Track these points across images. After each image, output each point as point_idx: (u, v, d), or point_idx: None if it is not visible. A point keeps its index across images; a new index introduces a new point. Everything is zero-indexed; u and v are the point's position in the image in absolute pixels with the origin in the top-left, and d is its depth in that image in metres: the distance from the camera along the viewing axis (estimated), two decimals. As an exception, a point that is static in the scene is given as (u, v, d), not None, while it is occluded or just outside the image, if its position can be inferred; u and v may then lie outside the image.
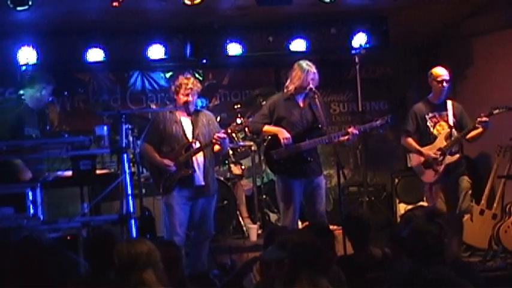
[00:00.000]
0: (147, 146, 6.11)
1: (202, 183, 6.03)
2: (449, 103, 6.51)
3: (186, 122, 6.10)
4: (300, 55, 7.90)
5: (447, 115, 6.45)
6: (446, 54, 8.64)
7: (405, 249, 3.68)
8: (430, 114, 6.49)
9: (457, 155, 6.45)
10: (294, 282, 3.29)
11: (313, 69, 6.13)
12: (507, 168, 7.31)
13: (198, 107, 6.71)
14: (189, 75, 6.18)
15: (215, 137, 5.96)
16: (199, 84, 6.14)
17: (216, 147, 6.08)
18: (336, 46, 8.24)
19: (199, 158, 6.04)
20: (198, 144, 6.01)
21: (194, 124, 6.09)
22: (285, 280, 3.34)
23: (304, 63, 6.14)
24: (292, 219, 6.10)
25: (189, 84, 5.99)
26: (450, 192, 6.49)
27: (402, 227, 4.27)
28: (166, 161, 5.96)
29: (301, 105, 6.23)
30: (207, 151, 6.07)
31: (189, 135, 6.06)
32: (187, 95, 5.99)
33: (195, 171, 6.00)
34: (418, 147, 6.51)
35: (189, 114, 6.10)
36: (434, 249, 3.50)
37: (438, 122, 6.47)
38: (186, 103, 6.01)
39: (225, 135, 6.04)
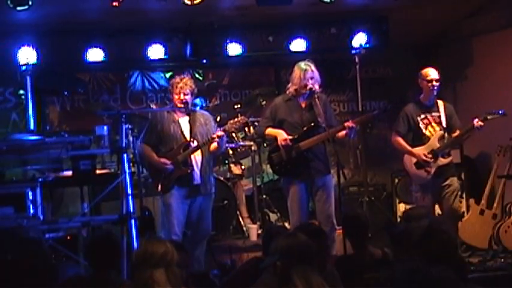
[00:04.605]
0: (144, 147, 6.14)
1: (200, 181, 6.04)
2: (440, 104, 6.52)
3: (184, 122, 6.13)
4: (300, 55, 7.90)
5: (439, 116, 6.47)
6: (446, 54, 8.64)
7: (419, 248, 3.68)
8: (422, 116, 6.49)
9: (450, 158, 6.47)
10: (288, 281, 3.35)
11: (312, 68, 6.11)
12: (507, 168, 7.30)
13: (198, 107, 6.73)
14: (183, 75, 6.22)
15: (213, 135, 5.98)
16: (192, 84, 6.11)
17: (214, 146, 6.09)
18: (336, 46, 8.24)
19: (197, 157, 6.07)
20: (195, 143, 6.03)
21: (192, 124, 6.11)
22: (280, 280, 3.42)
23: (303, 63, 6.13)
24: (299, 220, 6.07)
25: (180, 83, 6.03)
26: (440, 193, 6.47)
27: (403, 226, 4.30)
28: (164, 161, 6.01)
29: (303, 105, 6.21)
30: (205, 150, 6.09)
31: (187, 135, 6.09)
32: (180, 93, 6.02)
33: (193, 169, 6.03)
34: (408, 147, 6.49)
35: (187, 114, 6.11)
36: (449, 248, 3.53)
37: (430, 123, 6.48)
38: (181, 102, 6.03)
39: (223, 133, 6.05)
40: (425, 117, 6.48)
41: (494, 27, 8.02)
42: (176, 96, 6.06)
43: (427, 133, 6.46)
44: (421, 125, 6.47)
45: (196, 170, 6.05)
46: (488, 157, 7.85)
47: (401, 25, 8.05)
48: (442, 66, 6.74)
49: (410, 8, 7.76)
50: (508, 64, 7.92)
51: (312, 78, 6.08)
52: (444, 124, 6.43)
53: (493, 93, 7.96)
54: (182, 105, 6.04)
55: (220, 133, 6.00)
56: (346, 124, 6.06)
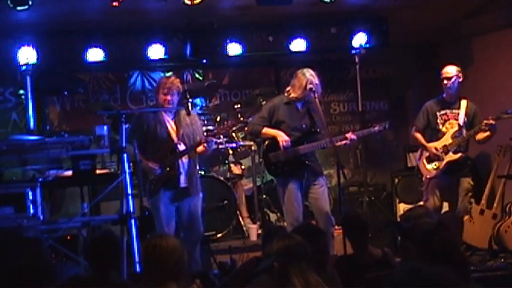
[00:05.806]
0: (130, 148, 6.08)
1: (186, 184, 6.01)
2: (463, 102, 6.58)
3: (170, 123, 6.07)
4: (300, 55, 7.92)
5: (458, 114, 6.51)
6: (446, 54, 8.64)
7: (421, 247, 3.69)
8: (442, 112, 6.59)
9: (459, 154, 6.50)
10: (287, 282, 3.36)
11: (316, 80, 6.12)
12: (507, 168, 7.30)
13: (198, 107, 6.71)
14: (169, 75, 6.17)
15: (202, 140, 5.97)
16: (178, 84, 6.07)
17: (200, 149, 6.04)
18: (336, 46, 8.24)
19: (183, 159, 6.01)
20: (183, 146, 5.99)
21: (177, 124, 6.06)
22: (278, 281, 3.42)
23: (308, 74, 6.12)
24: (295, 219, 6.09)
25: (167, 83, 5.98)
26: (450, 191, 6.55)
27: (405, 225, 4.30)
28: (152, 164, 5.94)
29: (301, 110, 6.24)
30: (191, 152, 6.05)
31: (173, 136, 6.03)
32: (166, 94, 5.96)
33: (180, 173, 5.98)
34: (423, 141, 6.63)
35: (172, 114, 6.07)
36: (451, 247, 3.53)
37: (448, 119, 6.56)
38: (168, 103, 5.98)
39: (212, 139, 6.05)
40: (445, 114, 6.57)
41: (494, 27, 8.02)
42: (162, 96, 5.99)
43: (444, 129, 6.56)
44: (439, 121, 6.57)
45: (183, 173, 6.00)
46: (488, 157, 7.85)
47: (401, 25, 8.06)
48: (442, 66, 6.75)
49: (410, 8, 7.76)
50: (508, 64, 7.91)
51: (315, 91, 6.10)
52: (461, 122, 6.48)
53: (493, 93, 7.96)
54: (168, 105, 5.98)
55: (209, 139, 6.00)
56: (348, 136, 6.16)
